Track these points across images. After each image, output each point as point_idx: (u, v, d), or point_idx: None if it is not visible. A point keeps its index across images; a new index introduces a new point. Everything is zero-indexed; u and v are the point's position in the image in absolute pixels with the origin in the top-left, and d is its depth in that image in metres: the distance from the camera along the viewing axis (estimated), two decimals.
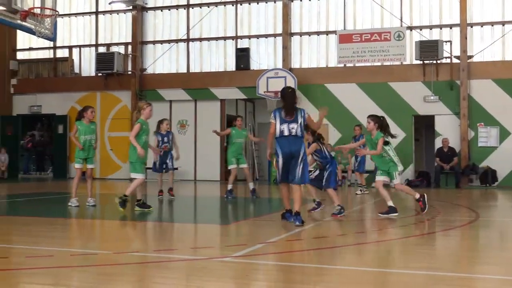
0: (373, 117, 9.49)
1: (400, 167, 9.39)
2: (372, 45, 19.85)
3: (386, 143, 9.35)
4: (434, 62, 19.16)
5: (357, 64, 20.16)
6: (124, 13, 23.15)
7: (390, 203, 9.11)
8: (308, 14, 21.11)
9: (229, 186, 12.78)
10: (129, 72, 22.50)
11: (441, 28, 19.74)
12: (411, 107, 19.51)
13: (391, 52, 19.67)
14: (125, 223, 8.88)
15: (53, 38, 13.32)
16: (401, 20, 19.89)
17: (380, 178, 9.36)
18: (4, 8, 11.74)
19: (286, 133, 7.92)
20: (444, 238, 7.38)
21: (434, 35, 19.68)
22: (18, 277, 4.72)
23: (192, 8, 22.30)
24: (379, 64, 20.05)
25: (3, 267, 5.09)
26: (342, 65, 20.35)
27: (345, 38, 20.14)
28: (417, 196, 9.35)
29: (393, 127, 19.15)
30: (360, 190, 14.71)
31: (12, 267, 5.11)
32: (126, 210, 9.47)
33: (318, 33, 20.92)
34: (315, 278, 4.80)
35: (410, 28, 19.80)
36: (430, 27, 19.86)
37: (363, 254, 6.12)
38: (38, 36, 12.48)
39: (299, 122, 7.99)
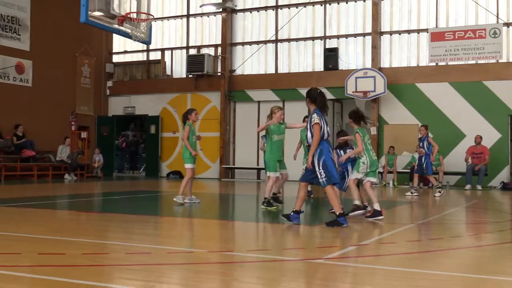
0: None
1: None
2: (465, 43, 19.20)
3: None
4: None
5: (449, 63, 19.56)
6: (214, 16, 23.59)
7: (377, 206, 8.71)
8: (398, 12, 20.69)
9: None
10: (219, 74, 22.91)
11: None
12: (508, 106, 18.70)
13: (486, 50, 18.93)
14: (217, 222, 9.04)
15: (148, 42, 13.76)
16: (497, 16, 19.11)
17: (370, 179, 9.02)
18: (103, 14, 12.27)
19: (326, 136, 7.76)
20: None
21: None
22: (119, 273, 4.91)
23: (281, 9, 22.41)
24: (473, 62, 19.36)
25: (105, 262, 5.32)
26: (433, 63, 19.81)
27: (437, 36, 19.59)
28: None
29: (488, 128, 18.60)
30: (439, 192, 14.28)
31: (113, 262, 5.32)
32: (222, 208, 9.63)
33: (408, 31, 20.47)
34: (406, 282, 4.70)
35: (507, 24, 18.99)
36: None
37: (456, 259, 5.92)
38: (134, 40, 12.94)
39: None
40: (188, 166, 10.96)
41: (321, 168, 7.66)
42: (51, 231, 7.28)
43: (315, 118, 7.69)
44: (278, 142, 10.22)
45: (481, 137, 18.12)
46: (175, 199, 10.93)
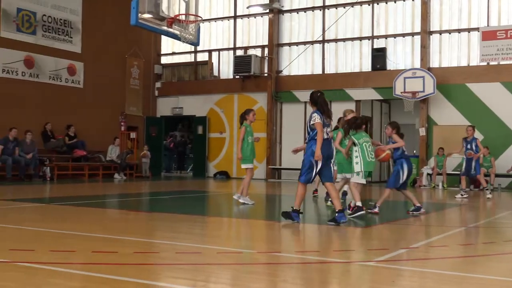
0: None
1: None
2: None
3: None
4: None
5: (501, 62, 19.10)
6: (261, 17, 23.65)
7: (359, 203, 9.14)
8: (448, 11, 20.31)
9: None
10: (265, 74, 22.96)
11: None
12: None
13: None
14: (264, 222, 9.06)
15: (196, 43, 13.90)
16: None
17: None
18: (152, 16, 12.46)
19: (325, 136, 7.97)
20: None
21: None
22: (170, 272, 4.98)
23: (328, 9, 22.30)
24: None
25: (156, 261, 5.41)
26: (485, 63, 19.37)
27: (488, 35, 19.15)
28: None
29: None
30: (490, 193, 14.03)
31: (164, 261, 5.40)
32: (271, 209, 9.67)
33: (459, 30, 20.07)
34: (457, 286, 4.61)
35: None
36: None
37: (510, 263, 5.78)
38: (183, 41, 13.09)
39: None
40: (247, 166, 10.85)
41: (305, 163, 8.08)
42: (103, 229, 7.44)
43: (316, 117, 7.90)
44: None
45: None
46: (241, 200, 10.75)
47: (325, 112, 7.99)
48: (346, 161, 9.98)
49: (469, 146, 14.03)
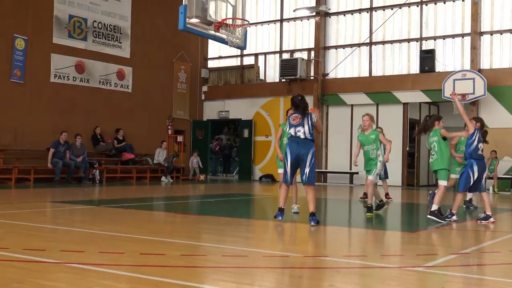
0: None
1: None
2: None
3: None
4: None
5: None
6: (308, 19, 23.59)
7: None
8: (500, 11, 19.81)
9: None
10: (312, 77, 22.87)
11: None
12: None
13: None
14: (308, 226, 9.00)
15: (243, 47, 13.94)
16: None
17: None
18: (199, 21, 12.56)
19: (293, 134, 8.33)
20: None
21: None
22: (217, 275, 5.00)
23: (375, 11, 22.07)
24: None
25: (203, 264, 5.44)
26: None
27: None
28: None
29: None
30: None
31: (211, 264, 5.42)
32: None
33: (511, 31, 19.55)
34: None
35: None
36: None
37: None
38: (230, 45, 13.15)
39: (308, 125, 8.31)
40: (279, 171, 10.07)
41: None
42: (150, 232, 7.52)
43: (316, 117, 8.38)
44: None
45: None
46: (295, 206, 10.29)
47: (296, 112, 8.46)
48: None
49: None
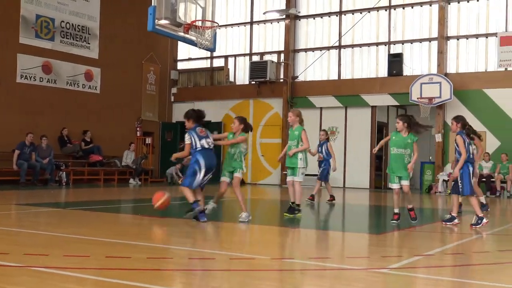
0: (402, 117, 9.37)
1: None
2: None
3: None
4: None
5: None
6: (278, 22, 23.67)
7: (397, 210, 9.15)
8: (466, 17, 20.17)
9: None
10: (281, 80, 22.95)
11: None
12: None
13: None
14: (277, 228, 9.03)
15: (213, 49, 13.90)
16: None
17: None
18: (169, 22, 12.48)
19: (206, 146, 8.84)
20: None
21: None
22: (183, 278, 4.98)
23: (344, 14, 22.26)
24: None
25: (170, 267, 5.41)
26: (503, 69, 19.22)
27: (507, 40, 19.01)
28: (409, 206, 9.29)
29: None
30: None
31: (177, 267, 5.40)
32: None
33: (476, 36, 19.92)
34: None
35: None
36: None
37: None
38: (199, 47, 13.09)
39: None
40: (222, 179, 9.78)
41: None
42: (116, 234, 7.46)
43: (186, 138, 8.90)
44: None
45: None
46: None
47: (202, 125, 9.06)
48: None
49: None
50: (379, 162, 22.08)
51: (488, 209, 11.71)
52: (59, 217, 9.71)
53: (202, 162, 8.72)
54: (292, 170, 10.04)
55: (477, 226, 8.64)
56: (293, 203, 10.03)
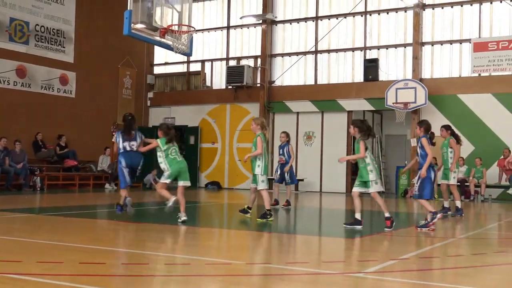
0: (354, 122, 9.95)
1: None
2: (510, 53, 18.87)
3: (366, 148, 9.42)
4: None
5: (493, 74, 19.21)
6: (254, 27, 23.71)
7: (358, 216, 9.16)
8: (440, 23, 20.43)
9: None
10: (258, 85, 22.97)
11: None
12: None
13: None
14: (255, 233, 9.02)
15: (189, 53, 13.91)
16: None
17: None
18: (145, 26, 12.46)
19: (128, 148, 10.00)
20: None
21: None
22: (159, 284, 4.94)
23: (321, 20, 22.38)
24: None
25: (146, 273, 5.36)
26: (476, 74, 19.48)
27: (480, 46, 19.27)
28: (387, 214, 9.04)
29: None
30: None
31: (153, 273, 5.36)
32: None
33: (451, 41, 20.18)
34: None
35: None
36: None
37: (501, 275, 5.77)
38: (176, 52, 13.09)
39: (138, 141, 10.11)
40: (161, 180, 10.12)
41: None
42: (92, 240, 7.38)
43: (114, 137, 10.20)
44: None
45: (509, 151, 17.79)
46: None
47: (125, 131, 10.08)
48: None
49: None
50: (355, 167, 22.18)
51: (463, 214, 11.84)
52: (33, 223, 9.58)
53: (123, 162, 9.99)
54: (253, 177, 10.21)
55: (434, 220, 8.90)
56: (249, 207, 10.59)
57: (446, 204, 12.15)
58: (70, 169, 20.78)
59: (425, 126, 9.45)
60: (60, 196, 16.47)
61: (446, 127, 12.14)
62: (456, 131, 18.91)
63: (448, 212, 11.93)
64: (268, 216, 9.95)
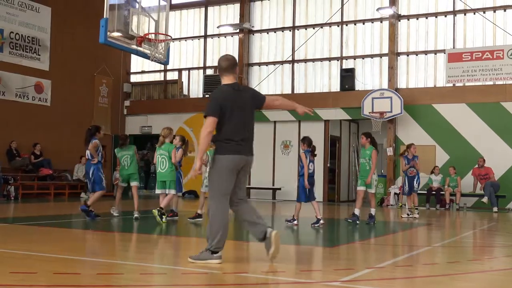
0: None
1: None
2: (483, 64, 19.13)
3: None
4: None
5: (467, 84, 19.48)
6: (231, 36, 23.76)
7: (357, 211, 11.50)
8: (415, 33, 20.69)
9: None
10: None
11: None
12: None
13: (504, 71, 18.86)
14: (231, 242, 8.99)
15: (166, 62, 13.87)
16: None
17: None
18: (121, 34, 12.41)
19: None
20: None
21: None
22: None
23: (298, 29, 22.51)
24: (491, 83, 19.28)
25: (121, 283, 5.31)
26: (451, 84, 19.75)
27: (454, 57, 19.55)
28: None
29: (505, 149, 18.43)
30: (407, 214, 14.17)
31: (128, 283, 5.30)
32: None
33: (425, 52, 20.44)
34: None
35: None
36: None
37: (474, 282, 5.83)
38: (152, 60, 13.05)
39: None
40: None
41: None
42: (66, 250, 7.29)
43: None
44: None
45: (484, 160, 18.08)
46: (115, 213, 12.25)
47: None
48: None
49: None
50: (332, 176, 22.30)
51: (375, 222, 11.78)
52: (6, 232, 9.43)
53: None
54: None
55: (316, 225, 10.82)
56: (172, 210, 12.01)
57: (357, 212, 11.97)
58: (45, 178, 20.55)
59: (307, 142, 11.41)
60: (34, 206, 16.26)
61: (366, 135, 12.29)
62: (432, 140, 19.42)
63: (357, 221, 11.84)
64: (163, 215, 11.04)
